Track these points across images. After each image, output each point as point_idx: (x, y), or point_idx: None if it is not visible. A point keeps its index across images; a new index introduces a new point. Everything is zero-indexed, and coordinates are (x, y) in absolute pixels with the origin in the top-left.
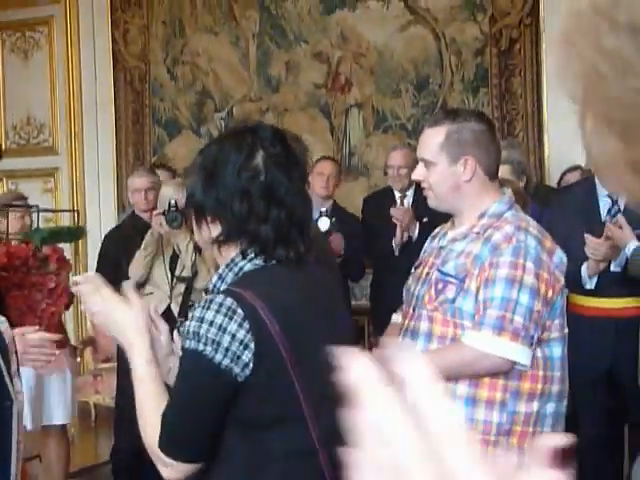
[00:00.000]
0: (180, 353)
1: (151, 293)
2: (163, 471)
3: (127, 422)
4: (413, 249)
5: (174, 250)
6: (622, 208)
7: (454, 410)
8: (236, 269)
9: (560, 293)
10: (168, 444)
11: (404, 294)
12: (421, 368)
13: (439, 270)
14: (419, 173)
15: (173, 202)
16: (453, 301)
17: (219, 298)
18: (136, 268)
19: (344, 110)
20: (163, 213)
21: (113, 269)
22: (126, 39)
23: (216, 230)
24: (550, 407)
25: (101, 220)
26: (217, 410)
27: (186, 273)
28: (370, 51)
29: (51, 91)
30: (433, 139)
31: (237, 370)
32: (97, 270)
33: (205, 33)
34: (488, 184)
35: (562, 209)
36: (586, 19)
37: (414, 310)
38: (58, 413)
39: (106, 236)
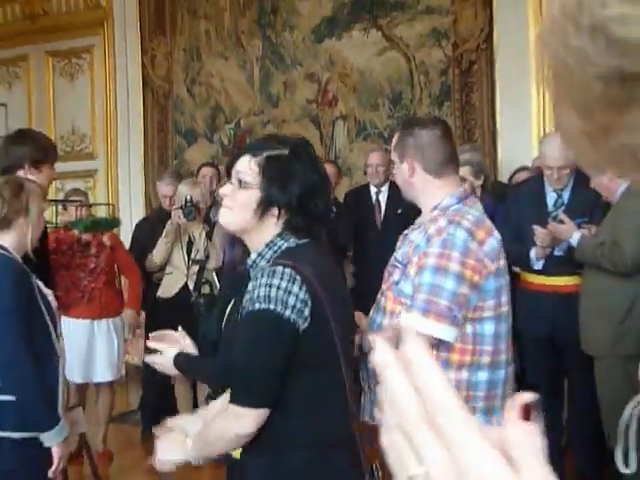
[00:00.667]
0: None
1: (171, 273)
2: (239, 427)
3: (152, 378)
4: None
5: (190, 238)
6: (565, 201)
7: (449, 382)
8: (275, 248)
9: (490, 277)
10: (245, 393)
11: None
12: (421, 349)
13: (395, 256)
14: (394, 170)
15: (189, 198)
16: (397, 283)
17: (279, 268)
18: (158, 252)
19: (331, 121)
20: (180, 207)
21: (141, 252)
22: (153, 63)
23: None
24: (482, 376)
25: (131, 212)
26: (284, 357)
27: (199, 256)
28: (353, 72)
29: (91, 107)
30: (393, 143)
31: (300, 322)
32: (130, 251)
33: (217, 58)
34: (433, 181)
35: (516, 203)
36: (556, 22)
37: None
38: (106, 372)
39: (137, 225)
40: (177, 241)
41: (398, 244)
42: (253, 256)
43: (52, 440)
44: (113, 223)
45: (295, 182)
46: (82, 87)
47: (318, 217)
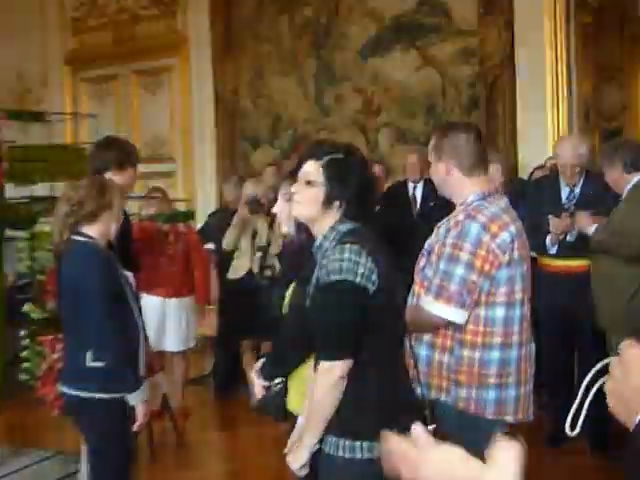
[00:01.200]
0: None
1: (238, 258)
2: (330, 379)
3: (223, 348)
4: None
5: (254, 228)
6: (577, 195)
7: None
8: (335, 232)
9: (502, 267)
10: (332, 349)
11: None
12: None
13: (426, 246)
14: (430, 169)
15: (253, 195)
16: (423, 269)
17: (347, 246)
18: (228, 240)
19: (376, 128)
20: (246, 203)
21: (208, 238)
22: (224, 80)
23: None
24: (494, 355)
25: (205, 206)
26: (360, 314)
27: (262, 243)
28: (394, 86)
29: (171, 117)
30: (431, 144)
31: (369, 286)
32: (201, 238)
33: (278, 75)
34: (465, 180)
35: (536, 196)
36: None
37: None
38: (176, 343)
39: (209, 215)
40: (244, 231)
41: (432, 235)
42: (319, 240)
43: (136, 400)
44: (188, 216)
45: (351, 180)
46: (163, 101)
47: (369, 206)
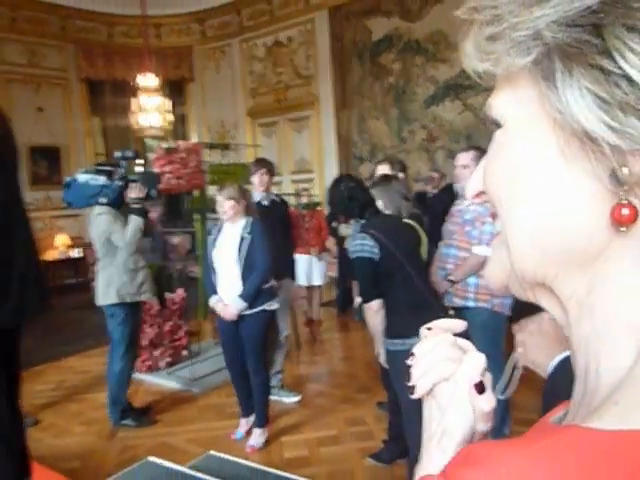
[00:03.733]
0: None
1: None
2: (371, 312)
3: (341, 283)
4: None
5: None
6: None
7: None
8: (356, 228)
9: None
10: (364, 295)
11: (443, 232)
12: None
13: (463, 218)
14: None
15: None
16: (469, 233)
17: (357, 234)
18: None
19: (435, 150)
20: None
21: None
22: (341, 123)
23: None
24: None
25: None
26: (373, 274)
27: None
28: (446, 123)
29: (310, 146)
30: (469, 157)
31: (374, 256)
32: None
33: (373, 119)
34: None
35: None
36: None
37: (449, 238)
38: (317, 279)
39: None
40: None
41: (456, 213)
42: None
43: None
44: (317, 204)
45: (338, 202)
46: (305, 136)
47: (360, 207)
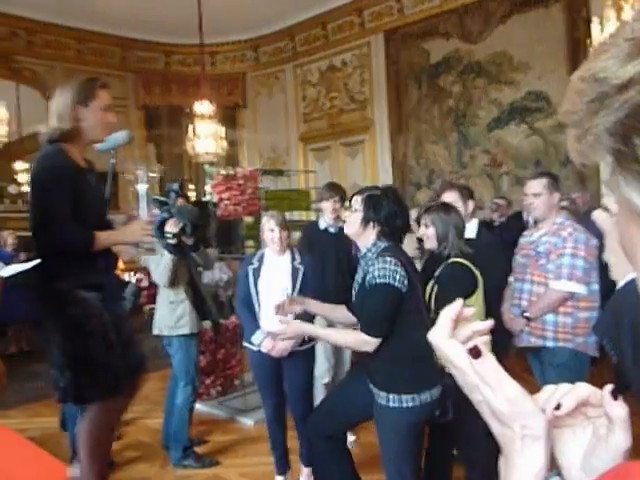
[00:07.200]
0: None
1: None
2: (363, 345)
3: None
4: None
5: None
6: None
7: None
8: (376, 247)
9: (595, 259)
10: (373, 329)
11: (514, 265)
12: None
13: (535, 250)
14: (540, 198)
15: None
16: (543, 266)
17: (388, 258)
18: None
19: (499, 176)
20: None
21: None
22: (397, 148)
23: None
24: (594, 314)
25: None
26: (395, 309)
27: None
28: (510, 148)
29: (364, 172)
30: (543, 184)
31: (402, 289)
32: None
33: (432, 144)
34: (556, 207)
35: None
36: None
37: (521, 272)
38: None
39: None
40: None
41: (526, 245)
42: (363, 250)
43: None
44: None
45: (382, 208)
46: (359, 162)
47: (398, 229)
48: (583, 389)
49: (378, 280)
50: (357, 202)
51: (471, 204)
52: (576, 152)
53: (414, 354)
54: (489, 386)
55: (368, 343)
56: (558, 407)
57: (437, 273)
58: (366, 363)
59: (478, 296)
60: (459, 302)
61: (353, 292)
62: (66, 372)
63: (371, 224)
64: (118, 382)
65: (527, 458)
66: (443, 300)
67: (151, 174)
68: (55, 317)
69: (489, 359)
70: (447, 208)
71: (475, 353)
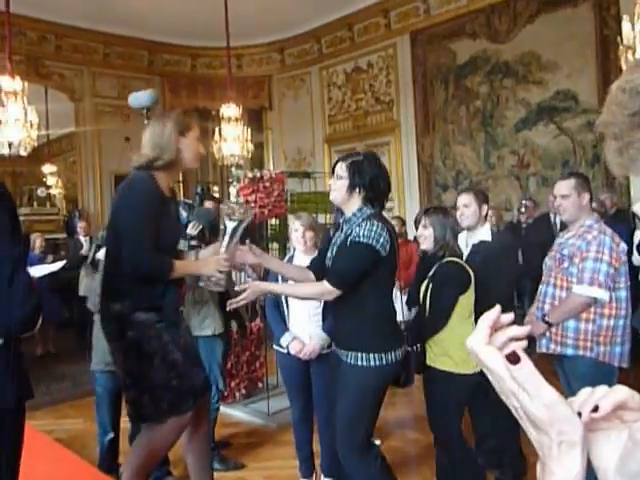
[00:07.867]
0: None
1: None
2: (326, 294)
3: None
4: None
5: None
6: None
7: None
8: (362, 212)
9: (622, 265)
10: (340, 280)
11: (544, 267)
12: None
13: (560, 253)
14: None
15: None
16: (566, 269)
17: (375, 222)
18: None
19: (526, 177)
20: None
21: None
22: (423, 149)
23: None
24: (620, 322)
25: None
26: (366, 269)
27: None
28: (538, 149)
29: (390, 173)
30: (571, 184)
31: (382, 252)
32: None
33: (459, 145)
34: (585, 207)
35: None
36: (612, 92)
37: (547, 275)
38: None
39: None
40: None
41: (555, 247)
42: (348, 215)
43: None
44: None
45: (366, 173)
46: (384, 163)
47: (382, 193)
48: (621, 392)
49: (361, 239)
50: (342, 169)
51: (485, 208)
52: (617, 165)
53: (385, 314)
54: (527, 392)
55: (331, 293)
56: (595, 409)
57: (432, 272)
58: (335, 325)
59: (470, 293)
60: (497, 308)
61: (329, 254)
62: (130, 391)
63: (357, 190)
64: (180, 402)
65: (564, 465)
66: (438, 296)
67: (237, 214)
68: (116, 339)
69: (527, 365)
70: (445, 211)
71: (514, 359)
